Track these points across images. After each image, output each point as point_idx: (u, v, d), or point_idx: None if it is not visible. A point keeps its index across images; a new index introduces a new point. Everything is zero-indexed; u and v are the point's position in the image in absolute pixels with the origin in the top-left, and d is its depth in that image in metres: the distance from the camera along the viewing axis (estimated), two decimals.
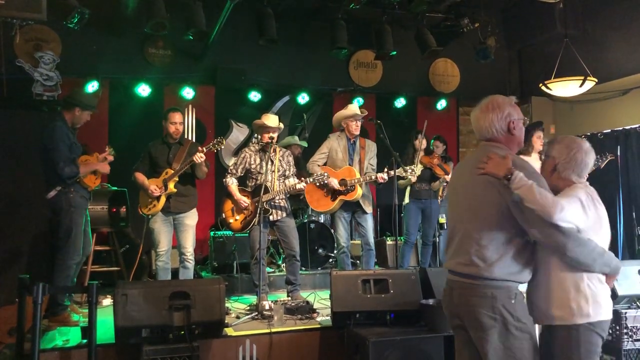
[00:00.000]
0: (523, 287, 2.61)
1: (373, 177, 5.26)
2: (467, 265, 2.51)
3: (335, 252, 5.68)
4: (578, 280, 2.50)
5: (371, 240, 5.56)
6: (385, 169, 5.31)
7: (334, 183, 5.32)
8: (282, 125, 5.36)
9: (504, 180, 2.39)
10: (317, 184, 5.22)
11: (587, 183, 2.68)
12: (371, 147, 5.61)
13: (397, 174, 5.29)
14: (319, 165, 5.47)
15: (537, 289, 2.58)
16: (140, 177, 4.97)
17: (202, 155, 4.81)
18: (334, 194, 5.39)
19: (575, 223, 2.41)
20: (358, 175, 5.37)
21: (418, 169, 5.72)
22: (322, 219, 6.82)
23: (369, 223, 5.54)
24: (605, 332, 2.54)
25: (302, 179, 5.11)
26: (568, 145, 2.65)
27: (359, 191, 5.36)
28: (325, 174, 5.10)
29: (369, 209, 5.51)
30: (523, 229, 2.44)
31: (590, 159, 2.65)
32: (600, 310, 2.51)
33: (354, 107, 5.77)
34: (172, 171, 4.91)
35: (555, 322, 2.53)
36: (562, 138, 2.73)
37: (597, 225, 2.52)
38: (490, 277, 2.44)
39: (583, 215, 2.44)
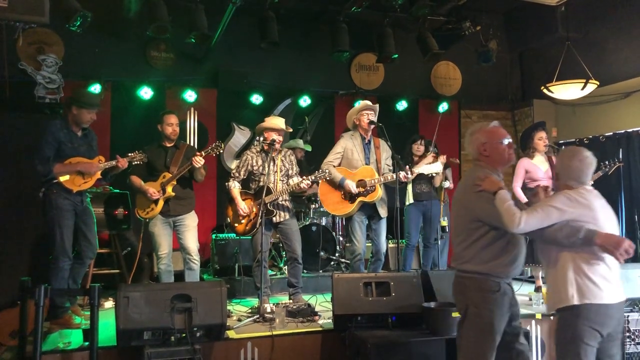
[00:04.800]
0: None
1: (395, 177, 4.98)
2: (453, 261, 3.17)
3: (351, 257, 5.36)
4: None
5: (382, 248, 5.32)
6: (408, 167, 5.17)
7: (352, 187, 5.10)
8: (289, 129, 5.32)
9: (493, 195, 2.89)
10: (318, 181, 5.09)
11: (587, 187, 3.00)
12: (385, 147, 5.31)
13: (421, 171, 5.20)
14: (334, 166, 5.24)
15: None
16: (136, 180, 4.94)
17: (202, 159, 4.80)
18: (352, 196, 5.19)
19: (551, 223, 2.82)
20: (377, 175, 5.15)
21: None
22: (323, 222, 6.82)
23: (382, 229, 5.32)
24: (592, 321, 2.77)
25: (304, 177, 5.04)
26: (562, 154, 3.08)
27: (379, 192, 5.13)
28: (327, 171, 5.01)
29: (384, 213, 5.34)
30: (488, 236, 2.96)
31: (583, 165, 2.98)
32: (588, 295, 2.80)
33: (365, 101, 5.58)
34: (170, 175, 4.90)
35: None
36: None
37: (589, 215, 2.85)
38: (462, 270, 3.05)
39: (562, 214, 2.82)
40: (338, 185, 5.21)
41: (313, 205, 6.75)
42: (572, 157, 2.97)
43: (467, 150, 3.20)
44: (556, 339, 2.91)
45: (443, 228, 6.29)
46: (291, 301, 5.05)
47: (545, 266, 3.03)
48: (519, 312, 3.15)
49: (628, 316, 4.35)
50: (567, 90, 6.63)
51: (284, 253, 6.00)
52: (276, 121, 5.19)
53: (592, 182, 5.44)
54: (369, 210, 5.28)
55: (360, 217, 5.25)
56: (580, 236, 2.76)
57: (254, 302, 5.15)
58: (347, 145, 5.30)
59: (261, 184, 5.07)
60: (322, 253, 6.55)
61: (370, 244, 5.55)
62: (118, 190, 5.98)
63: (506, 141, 3.09)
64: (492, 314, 2.92)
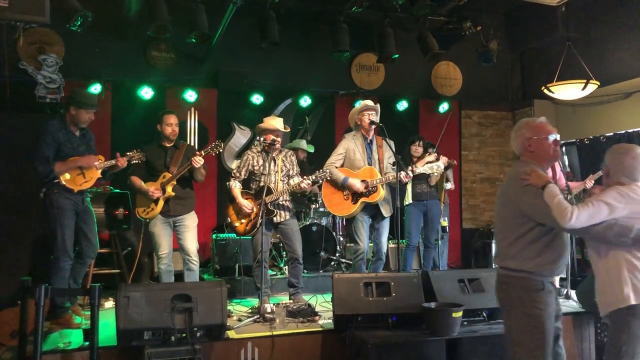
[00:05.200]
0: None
1: (396, 176, 4.95)
2: (496, 257, 3.12)
3: (353, 257, 5.37)
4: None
5: (384, 249, 5.32)
6: (410, 166, 5.17)
7: (356, 184, 5.09)
8: (287, 128, 5.32)
9: (541, 189, 2.82)
10: (320, 181, 5.08)
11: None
12: (389, 146, 5.24)
13: (422, 171, 5.21)
14: (336, 167, 5.23)
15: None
16: (136, 180, 4.95)
17: (201, 159, 4.80)
18: (355, 196, 5.17)
19: (601, 219, 2.78)
20: (379, 175, 5.15)
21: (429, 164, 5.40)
22: (324, 222, 6.81)
23: (385, 229, 5.31)
24: None
25: (305, 177, 5.03)
26: (614, 151, 3.05)
27: (382, 192, 5.12)
28: (327, 171, 5.00)
29: (387, 212, 5.29)
30: (534, 232, 2.88)
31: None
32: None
33: (366, 100, 5.56)
34: (170, 175, 4.90)
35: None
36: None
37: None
38: (506, 267, 2.97)
39: (613, 210, 2.78)
40: (341, 186, 5.20)
41: (313, 205, 6.75)
42: (625, 154, 2.95)
43: (511, 146, 3.15)
44: (609, 340, 2.87)
45: (443, 228, 6.29)
46: (291, 301, 5.05)
47: (594, 264, 2.97)
48: (560, 311, 3.10)
49: None
50: (567, 91, 6.63)
51: (284, 253, 6.00)
52: (273, 122, 5.17)
53: (593, 183, 5.48)
54: (372, 210, 5.27)
55: (363, 217, 5.24)
56: (632, 235, 2.75)
57: (254, 302, 5.15)
58: (349, 146, 5.30)
59: (262, 184, 5.06)
60: (322, 253, 6.56)
61: (372, 244, 5.54)
62: (118, 190, 5.99)
63: (552, 137, 3.02)
64: (542, 312, 2.85)
